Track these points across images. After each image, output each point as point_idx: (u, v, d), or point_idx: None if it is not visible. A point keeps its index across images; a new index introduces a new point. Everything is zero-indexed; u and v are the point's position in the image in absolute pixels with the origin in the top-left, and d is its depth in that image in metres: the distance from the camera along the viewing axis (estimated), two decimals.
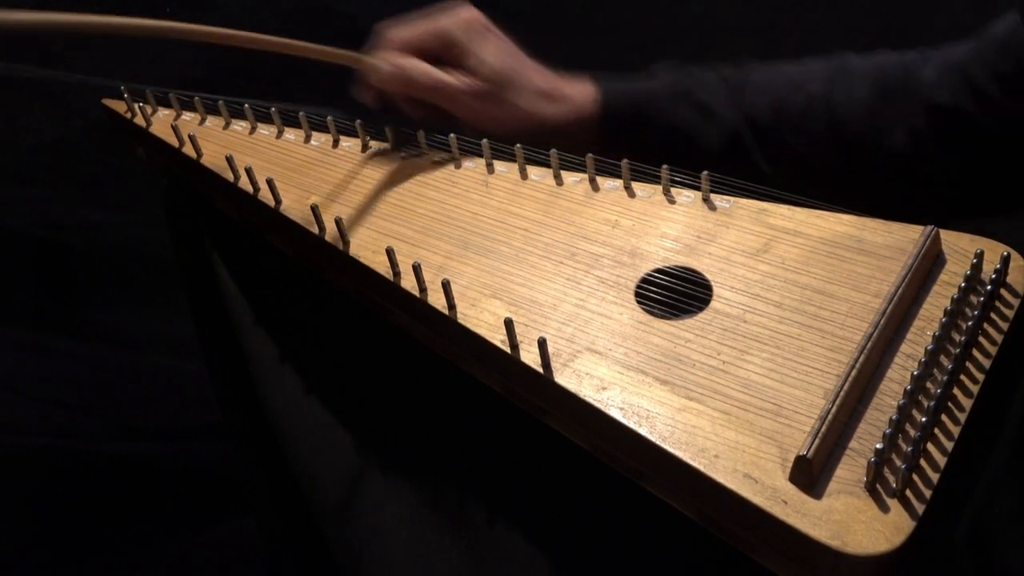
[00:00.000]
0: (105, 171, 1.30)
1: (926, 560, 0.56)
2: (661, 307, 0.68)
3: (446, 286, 0.70)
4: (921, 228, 0.68)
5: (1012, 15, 0.75)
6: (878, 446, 0.54)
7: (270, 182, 0.82)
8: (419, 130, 0.87)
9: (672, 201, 0.77)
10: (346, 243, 0.77)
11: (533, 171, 0.82)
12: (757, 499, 0.55)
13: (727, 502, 0.56)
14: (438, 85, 0.83)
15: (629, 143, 0.85)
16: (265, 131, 0.93)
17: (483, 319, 0.69)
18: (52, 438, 1.24)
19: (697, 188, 0.76)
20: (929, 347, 0.60)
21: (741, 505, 0.56)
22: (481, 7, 0.85)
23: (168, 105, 0.97)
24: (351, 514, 0.74)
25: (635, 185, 0.79)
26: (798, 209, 0.73)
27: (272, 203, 0.83)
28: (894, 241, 0.69)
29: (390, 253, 0.74)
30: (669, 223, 0.75)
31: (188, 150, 0.90)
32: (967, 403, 0.59)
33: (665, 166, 0.77)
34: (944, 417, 0.58)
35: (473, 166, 0.84)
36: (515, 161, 0.83)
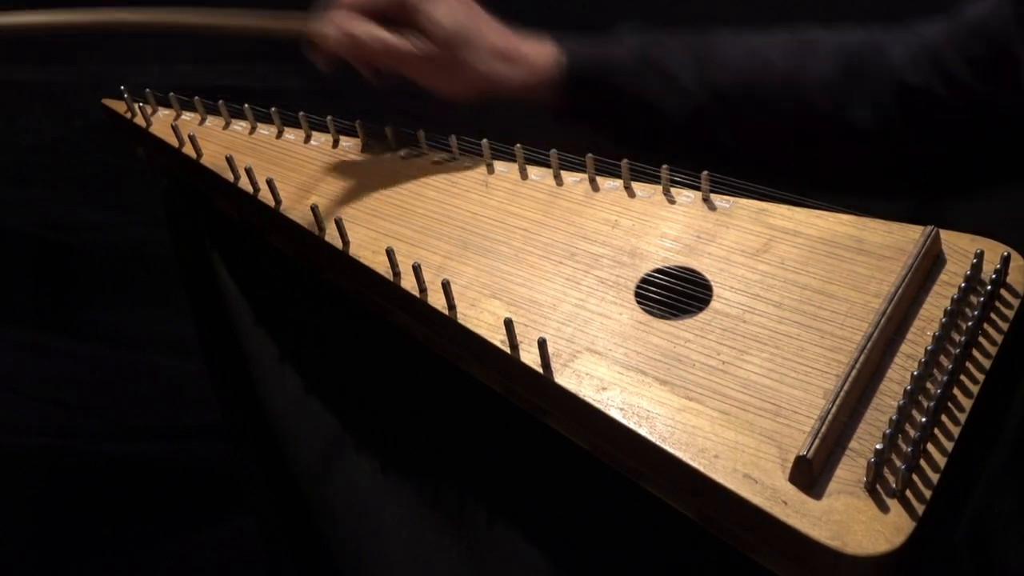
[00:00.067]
0: (105, 171, 1.30)
1: (926, 560, 0.56)
2: (661, 307, 0.68)
3: (446, 286, 0.70)
4: (921, 228, 0.68)
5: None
6: (878, 446, 0.54)
7: (270, 182, 0.82)
8: (419, 130, 0.87)
9: (672, 201, 0.77)
10: (346, 243, 0.77)
11: (533, 171, 0.82)
12: (757, 499, 0.55)
13: (727, 502, 0.56)
14: (387, 48, 0.79)
15: (588, 110, 0.84)
16: (265, 131, 0.93)
17: (483, 319, 0.69)
18: (52, 438, 1.24)
19: (697, 188, 0.76)
20: (929, 347, 0.60)
21: (741, 505, 0.56)
22: (482, 5, 0.85)
23: (168, 105, 0.97)
24: (351, 514, 0.74)
25: (635, 185, 0.79)
26: (798, 209, 0.73)
27: (272, 203, 0.82)
28: (894, 241, 0.69)
29: (390, 253, 0.73)
30: (669, 223, 0.75)
31: (188, 150, 0.90)
32: (967, 403, 0.59)
33: (665, 166, 0.77)
34: (944, 417, 0.58)
35: (473, 166, 0.84)
36: (515, 161, 0.83)
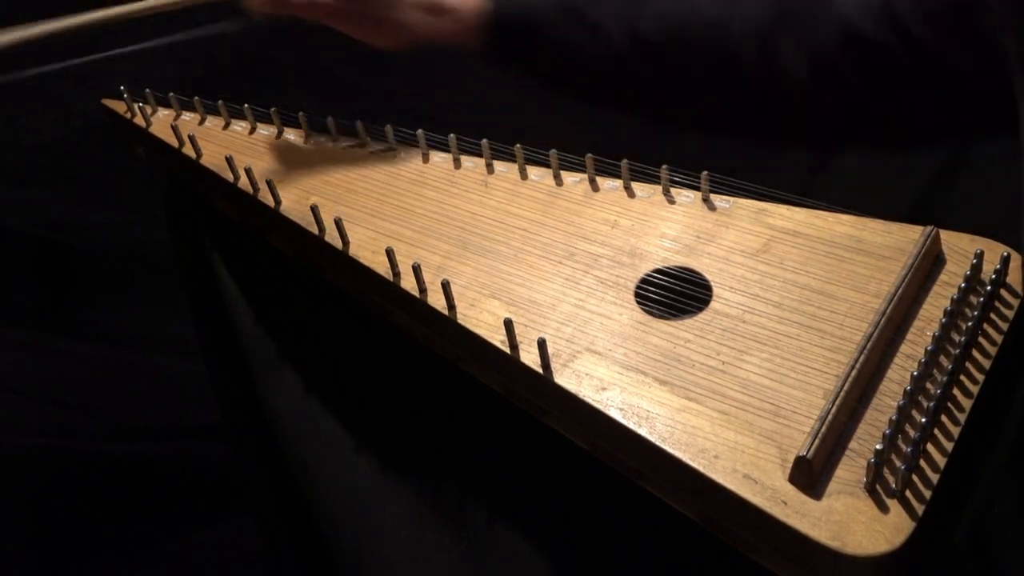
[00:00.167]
0: (105, 171, 1.30)
1: (926, 560, 0.56)
2: (660, 307, 0.68)
3: (445, 286, 0.70)
4: (921, 228, 0.68)
5: None
6: (878, 447, 0.54)
7: (270, 182, 0.82)
8: (419, 130, 0.87)
9: (672, 201, 0.77)
10: (346, 243, 0.77)
11: (533, 171, 0.82)
12: (757, 499, 0.55)
13: (727, 502, 0.56)
14: (309, 2, 0.81)
15: (514, 58, 0.84)
16: (265, 131, 0.93)
17: (483, 319, 0.69)
18: (52, 438, 1.24)
19: (697, 188, 0.76)
20: (929, 347, 0.60)
21: (741, 505, 0.56)
22: None
23: (168, 105, 0.97)
24: (351, 514, 0.74)
25: (635, 185, 0.79)
26: (797, 209, 0.73)
27: (272, 203, 0.83)
28: (894, 241, 0.69)
29: (390, 253, 0.74)
30: (669, 223, 0.75)
31: (188, 150, 0.90)
32: (967, 403, 0.59)
33: (665, 166, 0.77)
34: (944, 418, 0.58)
35: (472, 166, 0.84)
36: (515, 161, 0.83)
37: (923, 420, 0.56)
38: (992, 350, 0.62)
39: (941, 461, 0.56)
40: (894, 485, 0.54)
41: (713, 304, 0.67)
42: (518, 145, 0.82)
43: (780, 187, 0.75)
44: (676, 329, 0.66)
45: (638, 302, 0.69)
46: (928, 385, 0.59)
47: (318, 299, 0.85)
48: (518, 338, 0.66)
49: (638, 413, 0.61)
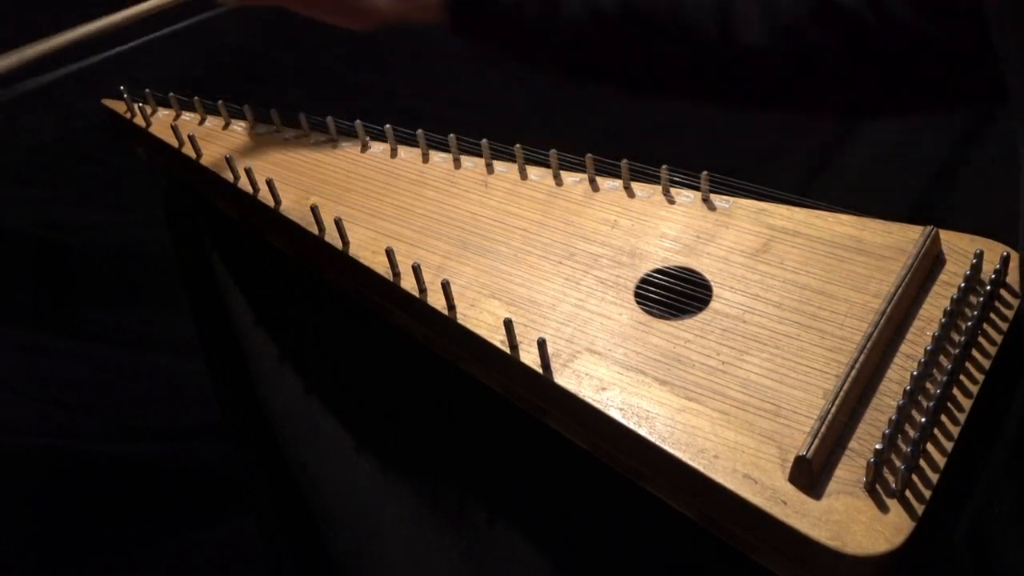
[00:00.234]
0: (105, 171, 1.30)
1: (926, 560, 0.56)
2: (660, 307, 0.68)
3: (445, 286, 0.70)
4: (921, 228, 0.68)
5: None
6: (877, 446, 0.54)
7: (270, 182, 0.82)
8: (419, 130, 0.87)
9: (671, 201, 0.77)
10: (346, 243, 0.77)
11: (532, 171, 0.82)
12: (757, 499, 0.55)
13: (727, 502, 0.56)
14: None
15: (476, 33, 0.84)
16: (265, 131, 0.93)
17: (482, 319, 0.69)
18: (52, 438, 1.24)
19: (697, 188, 0.76)
20: (928, 347, 0.60)
21: (741, 505, 0.56)
22: None
23: (168, 105, 0.97)
24: (351, 514, 0.74)
25: (634, 185, 0.79)
26: (797, 209, 0.73)
27: (272, 203, 0.83)
28: (894, 241, 0.69)
29: (390, 253, 0.74)
30: (668, 223, 0.75)
31: (188, 150, 0.90)
32: (967, 403, 0.59)
33: (665, 166, 0.77)
34: (943, 417, 0.58)
35: (472, 166, 0.84)
36: (515, 161, 0.83)
37: (923, 420, 0.56)
38: (992, 350, 0.62)
39: (941, 461, 0.56)
40: (894, 485, 0.54)
41: (713, 304, 0.67)
42: (518, 145, 0.82)
43: (780, 187, 0.75)
44: (676, 329, 0.66)
45: (638, 302, 0.69)
46: (928, 385, 0.59)
47: (318, 299, 0.85)
48: (518, 338, 0.66)
49: (638, 413, 0.61)
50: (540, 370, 0.64)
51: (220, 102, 0.95)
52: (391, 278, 0.74)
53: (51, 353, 1.29)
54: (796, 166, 1.36)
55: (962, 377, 0.60)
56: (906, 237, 0.69)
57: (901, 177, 1.32)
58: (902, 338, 0.62)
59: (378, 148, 0.89)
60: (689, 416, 0.60)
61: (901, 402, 0.57)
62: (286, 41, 1.34)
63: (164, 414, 1.32)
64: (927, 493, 0.54)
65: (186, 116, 0.96)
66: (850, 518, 0.53)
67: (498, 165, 0.84)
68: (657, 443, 0.59)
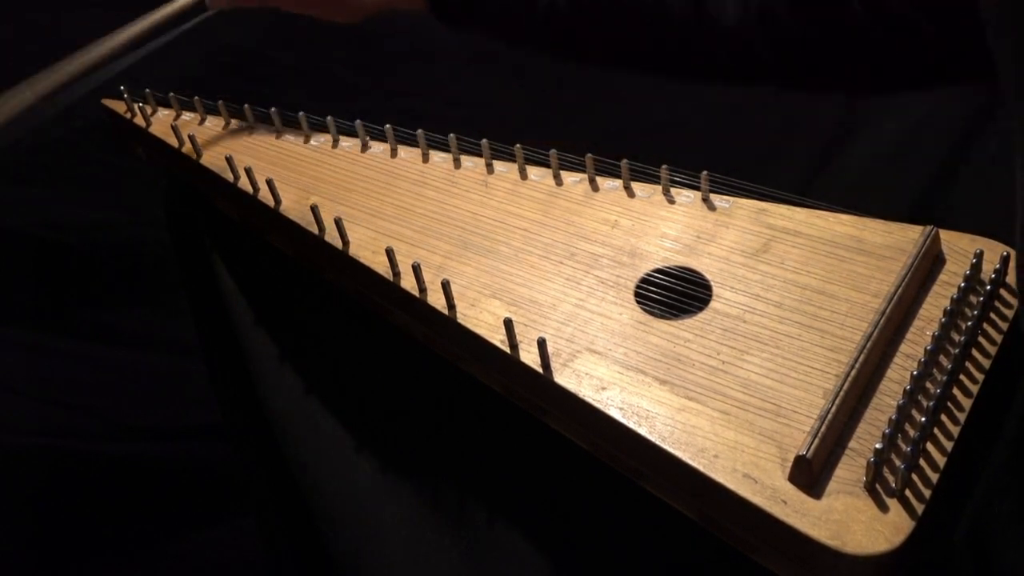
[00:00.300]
0: (105, 171, 1.30)
1: (926, 560, 0.56)
2: (661, 307, 0.68)
3: (446, 286, 0.70)
4: (921, 228, 0.68)
5: None
6: (878, 446, 0.54)
7: (270, 182, 0.82)
8: (419, 130, 0.87)
9: (672, 201, 0.77)
10: (346, 243, 0.77)
11: (533, 171, 0.82)
12: (757, 499, 0.55)
13: (727, 502, 0.56)
14: None
15: (458, 18, 0.85)
16: (265, 131, 0.93)
17: (483, 319, 0.69)
18: (52, 438, 1.24)
19: (697, 188, 0.76)
20: (929, 347, 0.60)
21: (741, 505, 0.56)
22: None
23: (168, 105, 0.97)
24: (351, 514, 0.74)
25: (635, 185, 0.79)
26: (798, 209, 0.73)
27: (272, 203, 0.83)
28: (894, 241, 0.69)
29: (390, 253, 0.74)
30: (669, 223, 0.75)
31: (188, 150, 0.90)
32: (967, 403, 0.59)
33: (665, 166, 0.77)
34: (944, 417, 0.58)
35: (473, 166, 0.84)
36: (515, 161, 0.83)
37: (923, 419, 0.56)
38: (992, 350, 0.62)
39: (941, 460, 0.56)
40: (894, 484, 0.54)
41: (713, 304, 0.67)
42: (518, 145, 0.82)
43: (780, 187, 0.75)
44: (676, 329, 0.66)
45: (638, 302, 0.69)
46: (928, 384, 0.59)
47: (318, 299, 0.85)
48: (518, 338, 0.66)
49: (638, 412, 0.61)
50: (540, 370, 0.64)
51: (220, 102, 0.95)
52: (391, 278, 0.74)
53: (51, 353, 1.29)
54: (796, 166, 1.36)
55: (962, 377, 0.60)
56: (906, 237, 0.69)
57: (901, 177, 1.32)
58: (902, 338, 0.62)
59: (378, 148, 0.89)
60: (689, 416, 0.60)
61: (901, 402, 0.57)
62: (286, 41, 1.35)
63: (164, 414, 1.32)
64: (927, 493, 0.54)
65: (186, 116, 0.96)
66: (850, 518, 0.53)
67: (498, 165, 0.84)
68: (657, 443, 0.59)
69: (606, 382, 0.63)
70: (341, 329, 0.84)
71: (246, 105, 0.94)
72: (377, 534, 0.72)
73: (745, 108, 1.30)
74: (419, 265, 0.72)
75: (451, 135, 0.85)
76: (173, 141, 0.91)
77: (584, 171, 0.80)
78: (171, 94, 0.96)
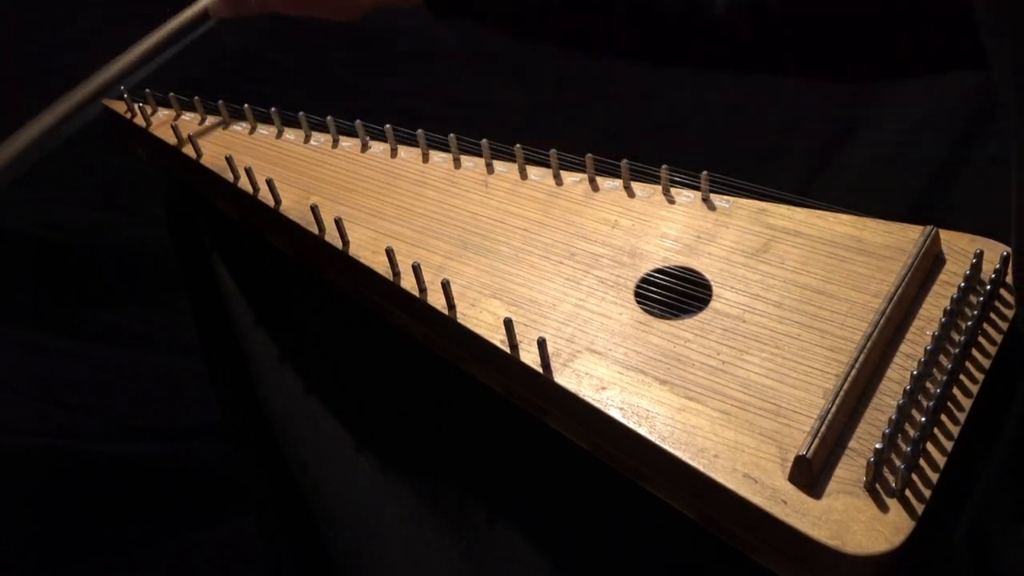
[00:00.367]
0: (105, 171, 1.30)
1: (926, 560, 0.56)
2: (661, 307, 0.68)
3: (446, 286, 0.70)
4: (921, 228, 0.68)
5: None
6: (878, 446, 0.54)
7: (270, 182, 0.82)
8: (419, 130, 0.87)
9: (672, 201, 0.77)
10: (346, 243, 0.77)
11: (533, 171, 0.82)
12: (757, 499, 0.55)
13: (727, 502, 0.56)
14: None
15: (451, 10, 0.85)
16: (265, 131, 0.93)
17: (483, 319, 0.69)
18: (52, 438, 1.24)
19: (697, 188, 0.76)
20: (929, 347, 0.60)
21: (741, 505, 0.56)
22: None
23: (168, 105, 0.97)
24: (351, 514, 0.74)
25: (635, 185, 0.79)
26: (798, 209, 0.73)
27: (272, 203, 0.83)
28: (894, 241, 0.69)
29: (390, 253, 0.74)
30: (669, 223, 0.75)
31: (188, 150, 0.90)
32: (967, 403, 0.59)
33: (665, 166, 0.77)
34: (944, 417, 0.58)
35: (473, 166, 0.84)
36: (515, 161, 0.83)
37: (923, 419, 0.56)
38: (992, 350, 0.62)
39: (941, 460, 0.56)
40: (894, 484, 0.54)
41: (713, 304, 0.67)
42: (518, 145, 0.82)
43: (780, 187, 0.75)
44: (676, 329, 0.66)
45: (638, 302, 0.69)
46: (928, 384, 0.59)
47: (318, 299, 0.85)
48: (518, 337, 0.66)
49: (638, 412, 0.61)
50: (540, 370, 0.64)
51: (220, 102, 0.95)
52: (391, 278, 0.74)
53: (51, 353, 1.29)
54: (796, 166, 1.36)
55: (962, 377, 0.60)
56: (906, 237, 0.69)
57: (901, 177, 1.32)
58: (902, 338, 0.62)
59: (378, 148, 0.89)
60: (689, 415, 0.60)
61: (901, 401, 0.57)
62: (286, 44, 1.35)
63: (164, 414, 1.32)
64: (927, 493, 0.54)
65: (186, 116, 0.96)
66: (850, 517, 0.53)
67: (498, 165, 0.84)
68: (657, 442, 0.59)
69: (606, 382, 0.63)
70: (341, 329, 0.84)
71: (246, 105, 0.94)
72: (377, 534, 0.72)
73: (745, 108, 1.30)
74: (419, 265, 0.72)
75: (451, 135, 0.85)
76: (173, 141, 0.91)
77: (584, 171, 0.80)
78: (171, 94, 0.96)
